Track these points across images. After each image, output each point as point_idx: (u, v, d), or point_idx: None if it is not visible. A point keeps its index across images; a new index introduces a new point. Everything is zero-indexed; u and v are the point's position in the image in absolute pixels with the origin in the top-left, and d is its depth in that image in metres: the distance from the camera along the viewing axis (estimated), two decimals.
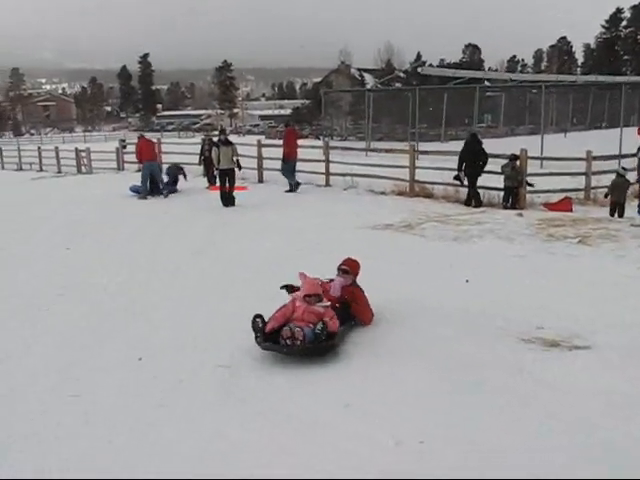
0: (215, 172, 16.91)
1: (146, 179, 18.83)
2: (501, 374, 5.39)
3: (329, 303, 6.27)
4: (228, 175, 16.04)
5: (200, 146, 20.90)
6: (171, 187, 19.30)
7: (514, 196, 15.45)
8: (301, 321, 5.92)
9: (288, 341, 5.72)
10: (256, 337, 5.88)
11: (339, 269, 6.92)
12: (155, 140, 24.46)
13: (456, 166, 15.65)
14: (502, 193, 15.58)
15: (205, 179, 20.12)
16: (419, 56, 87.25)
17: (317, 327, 5.79)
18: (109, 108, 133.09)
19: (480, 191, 15.68)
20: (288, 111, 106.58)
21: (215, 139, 17.81)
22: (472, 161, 15.44)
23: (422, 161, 17.95)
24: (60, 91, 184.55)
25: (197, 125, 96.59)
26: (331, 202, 16.06)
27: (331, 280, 6.87)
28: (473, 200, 15.38)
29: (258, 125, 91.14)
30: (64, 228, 13.72)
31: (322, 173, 19.02)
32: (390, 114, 43.18)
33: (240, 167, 16.54)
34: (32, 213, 16.70)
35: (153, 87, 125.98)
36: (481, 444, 4.32)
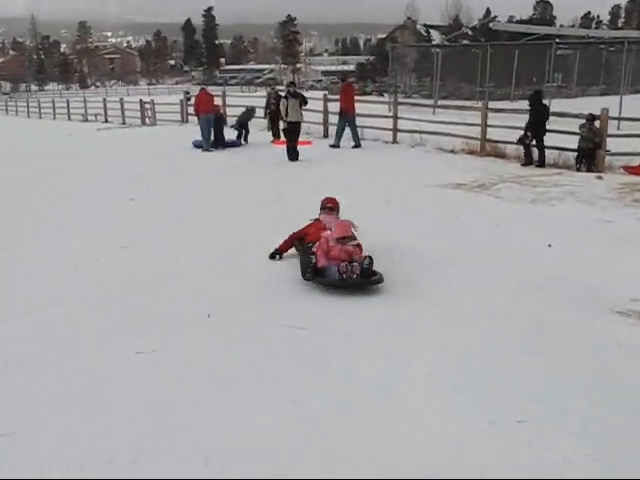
0: (282, 125, 16.45)
1: (205, 131, 18.70)
2: (592, 345, 4.97)
3: (359, 242, 6.77)
4: (295, 128, 15.68)
5: (265, 99, 20.54)
6: (235, 140, 19.20)
7: (589, 159, 14.70)
8: (338, 259, 6.41)
9: (344, 275, 6.20)
10: (306, 273, 6.41)
11: (324, 208, 7.71)
12: (219, 93, 24.33)
13: (545, 128, 14.93)
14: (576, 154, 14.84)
15: (270, 133, 19.74)
16: (488, 12, 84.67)
17: (364, 262, 6.28)
18: (172, 62, 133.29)
19: (555, 152, 14.98)
20: (351, 67, 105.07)
21: (282, 93, 17.48)
22: (537, 120, 14.74)
23: (493, 119, 17.26)
24: (125, 44, 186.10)
25: (260, 80, 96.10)
26: (399, 159, 15.57)
27: (317, 220, 7.57)
28: (538, 160, 14.73)
29: (321, 81, 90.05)
30: (129, 179, 13.64)
31: (389, 129, 18.46)
32: (456, 72, 42.01)
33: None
34: (98, 163, 16.72)
35: (216, 41, 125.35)
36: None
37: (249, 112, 20.34)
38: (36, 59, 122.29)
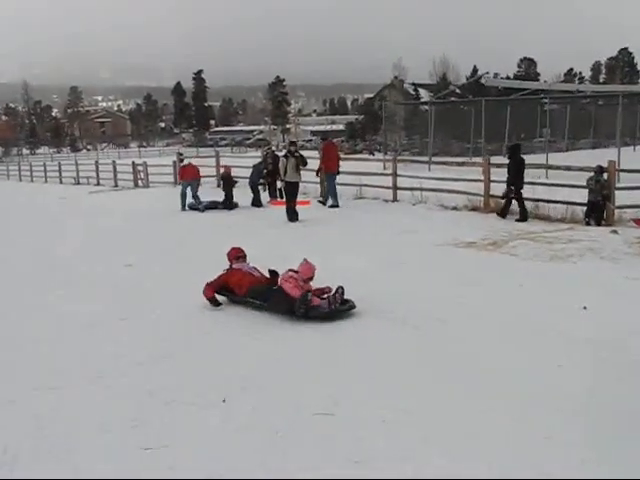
0: (280, 185, 16.06)
1: (185, 194, 18.87)
2: None
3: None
4: (294, 189, 15.27)
5: (262, 159, 20.19)
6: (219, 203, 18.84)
7: (598, 212, 14.30)
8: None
9: (333, 306, 7.25)
10: (300, 309, 7.21)
11: (238, 257, 8.49)
12: (212, 154, 24.03)
13: (524, 180, 14.75)
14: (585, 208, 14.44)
15: (267, 193, 19.33)
16: (475, 70, 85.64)
17: (340, 292, 7.37)
18: (163, 124, 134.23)
19: (562, 206, 14.60)
20: (340, 126, 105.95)
21: (279, 153, 17.21)
22: (516, 173, 14.62)
23: (492, 175, 16.95)
24: (116, 108, 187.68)
25: (250, 140, 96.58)
26: (402, 217, 15.11)
27: (233, 269, 8.29)
28: (520, 214, 14.51)
29: (311, 140, 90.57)
30: (125, 244, 13.12)
31: (388, 187, 18.07)
32: (446, 129, 42.08)
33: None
34: (91, 228, 16.20)
35: (206, 103, 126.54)
36: None
37: (258, 169, 19.65)
38: (28, 123, 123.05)
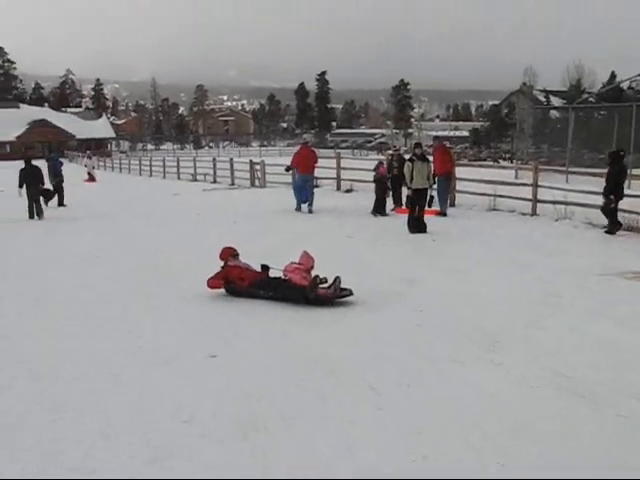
0: (405, 192, 14.41)
1: (297, 191, 18.28)
2: None
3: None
4: (421, 196, 13.58)
5: (386, 162, 18.58)
6: None
7: None
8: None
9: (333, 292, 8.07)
10: (312, 293, 8.03)
11: (234, 255, 9.04)
12: (332, 155, 22.70)
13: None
14: None
15: (391, 199, 17.68)
16: (613, 75, 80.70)
17: (337, 282, 8.13)
18: (285, 125, 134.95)
19: None
20: (464, 132, 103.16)
21: (406, 155, 15.56)
22: (616, 181, 13.56)
23: None
24: (240, 107, 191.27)
25: (371, 144, 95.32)
26: (546, 235, 13.13)
27: (229, 266, 8.87)
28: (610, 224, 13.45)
29: (433, 146, 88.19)
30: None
31: (527, 200, 16.06)
32: (579, 138, 39.04)
33: (432, 185, 14.21)
34: (198, 227, 15.10)
35: (328, 105, 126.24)
36: None
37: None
38: (155, 120, 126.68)
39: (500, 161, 60.55)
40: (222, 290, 8.74)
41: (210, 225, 15.65)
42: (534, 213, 15.82)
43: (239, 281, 8.61)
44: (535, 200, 15.91)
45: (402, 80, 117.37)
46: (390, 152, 19.49)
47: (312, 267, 8.44)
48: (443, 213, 16.21)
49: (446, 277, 9.35)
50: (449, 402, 5.11)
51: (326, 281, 8.16)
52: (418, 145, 14.66)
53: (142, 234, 15.06)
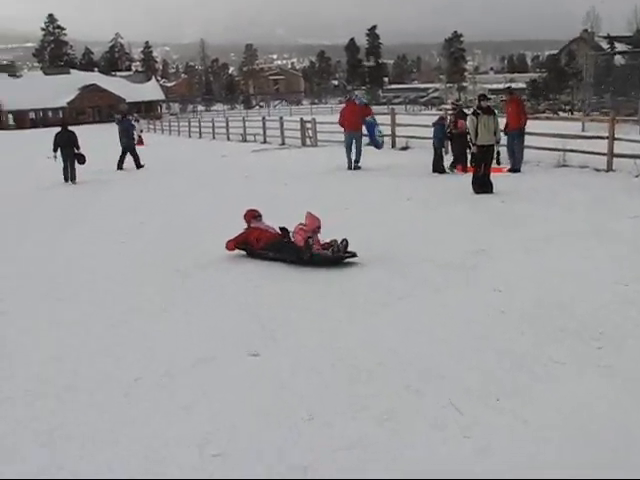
0: (470, 149, 13.19)
1: (348, 150, 17.35)
2: None
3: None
4: (487, 153, 12.37)
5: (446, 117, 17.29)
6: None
7: None
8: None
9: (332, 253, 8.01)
10: (305, 254, 8.05)
11: (256, 217, 9.04)
12: (386, 111, 21.51)
13: None
14: None
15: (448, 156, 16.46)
16: None
17: (343, 243, 8.07)
18: (336, 82, 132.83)
19: None
20: (520, 84, 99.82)
21: (466, 110, 14.34)
22: None
23: None
24: (289, 66, 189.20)
25: (424, 99, 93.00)
26: (628, 195, 11.79)
27: (252, 227, 8.88)
28: None
29: (490, 99, 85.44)
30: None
31: (602, 154, 14.68)
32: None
33: (498, 141, 12.97)
34: (249, 190, 14.17)
35: (380, 60, 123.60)
36: None
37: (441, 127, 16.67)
38: (204, 81, 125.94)
39: (559, 113, 58.15)
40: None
41: (258, 187, 14.74)
42: (610, 169, 14.45)
43: (255, 242, 8.66)
44: (611, 154, 14.52)
45: (455, 32, 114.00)
46: (448, 106, 18.13)
47: (318, 227, 8.34)
48: (516, 169, 15.05)
49: (523, 248, 8.21)
50: (561, 422, 4.05)
51: (335, 243, 8.04)
52: (483, 97, 13.23)
53: (184, 197, 14.29)
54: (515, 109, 15.66)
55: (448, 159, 16.14)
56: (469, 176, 13.17)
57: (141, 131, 39.49)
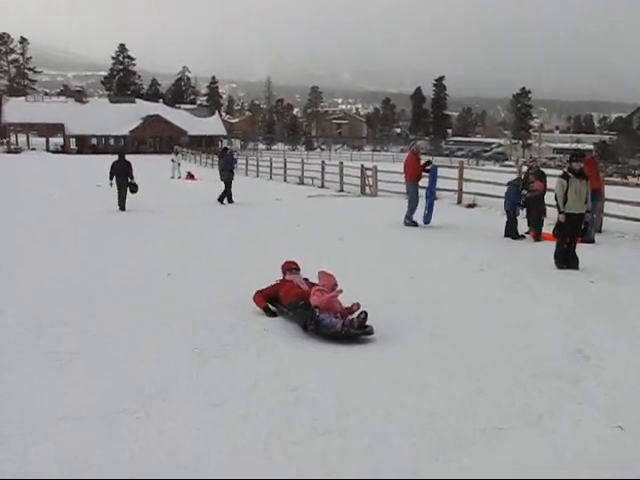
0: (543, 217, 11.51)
1: (413, 202, 15.82)
2: None
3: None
4: (575, 223, 10.71)
5: (517, 174, 15.69)
6: None
7: None
8: (334, 310, 7.21)
9: (345, 328, 6.85)
10: (310, 325, 7.04)
11: (290, 269, 8.30)
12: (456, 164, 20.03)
13: None
14: None
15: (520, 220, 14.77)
16: None
17: (361, 317, 6.91)
18: (399, 130, 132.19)
19: None
20: (587, 145, 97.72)
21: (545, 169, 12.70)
22: None
23: None
24: (354, 111, 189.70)
25: (488, 153, 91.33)
26: None
27: (285, 280, 8.16)
28: None
29: (554, 158, 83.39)
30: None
31: None
32: None
33: (589, 210, 11.23)
34: (298, 245, 12.68)
35: (445, 111, 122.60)
36: None
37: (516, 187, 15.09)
38: (268, 120, 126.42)
39: (628, 177, 55.94)
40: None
41: (310, 240, 13.25)
42: None
43: (283, 298, 7.85)
44: None
45: (524, 88, 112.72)
46: (528, 162, 16.41)
47: (335, 284, 7.51)
48: (590, 239, 13.27)
49: (635, 348, 6.54)
50: None
51: (357, 309, 7.14)
52: (577, 157, 11.07)
53: (223, 244, 12.92)
54: (589, 171, 13.95)
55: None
56: (545, 245, 11.49)
57: (179, 164, 38.95)
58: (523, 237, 14.08)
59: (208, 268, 10.48)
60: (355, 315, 7.04)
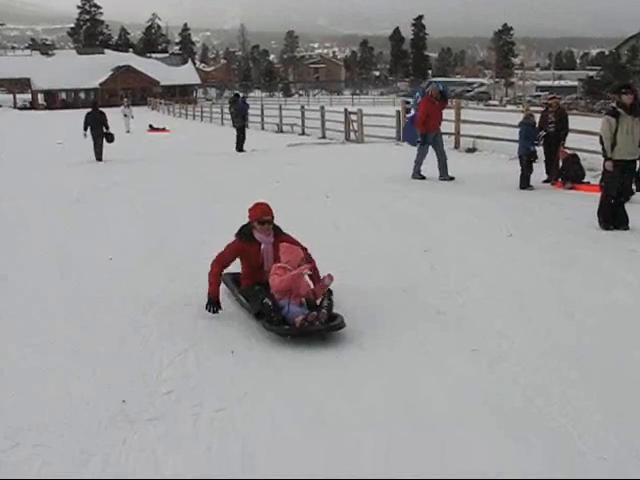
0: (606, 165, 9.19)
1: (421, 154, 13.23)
2: None
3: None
4: (627, 171, 8.52)
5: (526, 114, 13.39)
6: None
7: None
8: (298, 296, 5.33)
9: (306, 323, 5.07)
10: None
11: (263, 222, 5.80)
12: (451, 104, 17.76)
13: None
14: None
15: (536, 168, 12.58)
16: None
17: (325, 303, 5.22)
18: (377, 73, 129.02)
19: None
20: (569, 82, 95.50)
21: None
22: None
23: None
24: (331, 55, 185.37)
25: (470, 93, 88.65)
26: None
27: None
28: None
29: (539, 96, 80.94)
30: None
31: None
32: None
33: None
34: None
35: (425, 52, 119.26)
36: None
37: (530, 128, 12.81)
38: (244, 68, 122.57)
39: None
40: None
41: (291, 201, 10.91)
42: None
43: (243, 273, 5.96)
44: None
45: (505, 24, 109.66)
46: (547, 99, 14.10)
47: (303, 259, 5.49)
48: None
49: None
50: None
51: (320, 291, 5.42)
52: (628, 89, 8.59)
53: (181, 206, 10.71)
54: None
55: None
56: (574, 196, 9.40)
57: (132, 117, 35.73)
58: (532, 188, 11.91)
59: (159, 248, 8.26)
60: (319, 300, 5.32)
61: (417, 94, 14.50)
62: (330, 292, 5.35)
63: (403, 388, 4.31)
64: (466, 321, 5.42)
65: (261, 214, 5.81)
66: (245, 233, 5.82)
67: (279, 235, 5.89)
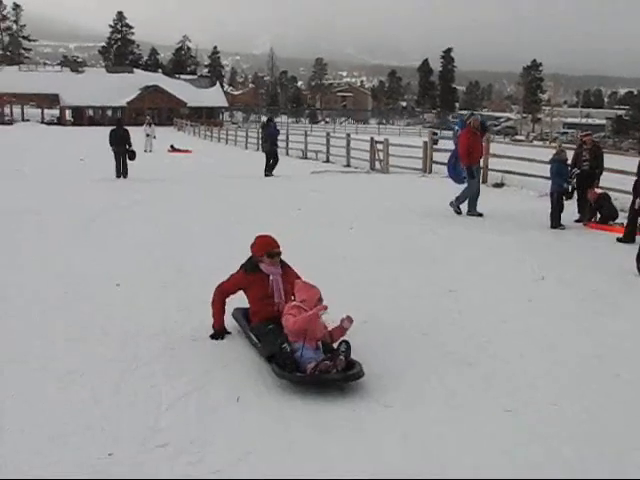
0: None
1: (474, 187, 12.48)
2: None
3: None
4: None
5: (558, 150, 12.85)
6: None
7: None
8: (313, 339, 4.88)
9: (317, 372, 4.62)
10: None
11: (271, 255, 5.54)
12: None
13: None
14: None
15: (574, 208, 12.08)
16: None
17: (342, 347, 4.75)
18: (404, 103, 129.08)
19: None
20: (597, 120, 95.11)
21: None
22: None
23: None
24: (358, 84, 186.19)
25: (497, 127, 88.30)
26: None
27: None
28: None
29: (567, 133, 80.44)
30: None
31: None
32: None
33: None
34: (296, 236, 9.89)
35: (452, 85, 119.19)
36: None
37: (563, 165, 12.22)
38: (271, 92, 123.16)
39: None
40: None
41: (312, 230, 10.50)
42: None
43: (251, 309, 5.58)
44: None
45: (534, 60, 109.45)
46: (581, 136, 13.57)
47: (319, 299, 5.02)
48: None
49: None
50: None
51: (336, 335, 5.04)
52: None
53: (200, 237, 10.24)
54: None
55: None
56: (608, 237, 8.93)
57: (154, 137, 35.36)
58: (563, 227, 11.39)
59: (174, 274, 7.84)
60: (336, 344, 4.92)
61: (456, 127, 13.73)
62: (347, 342, 4.92)
63: (426, 454, 3.81)
64: (498, 376, 4.91)
65: (271, 247, 5.58)
66: (250, 265, 5.61)
67: (285, 267, 5.67)
